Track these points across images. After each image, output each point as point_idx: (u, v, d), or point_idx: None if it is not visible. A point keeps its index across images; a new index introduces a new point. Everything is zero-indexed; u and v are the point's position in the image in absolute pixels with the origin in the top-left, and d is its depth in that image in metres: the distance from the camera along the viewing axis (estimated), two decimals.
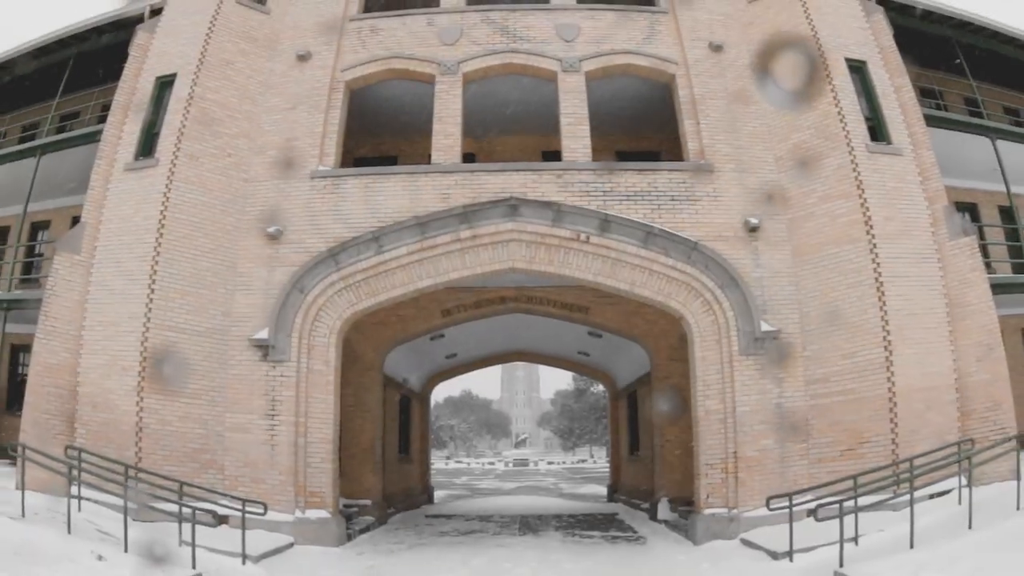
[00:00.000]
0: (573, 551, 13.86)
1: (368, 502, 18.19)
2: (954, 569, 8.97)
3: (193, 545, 11.06)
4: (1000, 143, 19.34)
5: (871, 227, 14.46)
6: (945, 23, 19.45)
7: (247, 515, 12.87)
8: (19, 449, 12.52)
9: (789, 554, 12.16)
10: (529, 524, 18.19)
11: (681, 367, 18.15)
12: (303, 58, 16.98)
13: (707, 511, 14.36)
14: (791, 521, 12.20)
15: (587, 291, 18.70)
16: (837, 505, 11.32)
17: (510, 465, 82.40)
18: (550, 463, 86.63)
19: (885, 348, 14.06)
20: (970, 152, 19.28)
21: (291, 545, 13.89)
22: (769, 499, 12.70)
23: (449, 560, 13.01)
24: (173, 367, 14.43)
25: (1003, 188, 19.22)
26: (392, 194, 15.74)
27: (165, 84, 16.14)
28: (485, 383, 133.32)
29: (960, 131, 19.15)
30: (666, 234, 15.01)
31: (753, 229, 15.17)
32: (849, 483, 12.25)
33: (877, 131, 15.42)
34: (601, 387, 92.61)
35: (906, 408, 13.81)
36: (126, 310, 14.57)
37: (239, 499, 12.94)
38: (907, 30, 17.68)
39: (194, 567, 10.80)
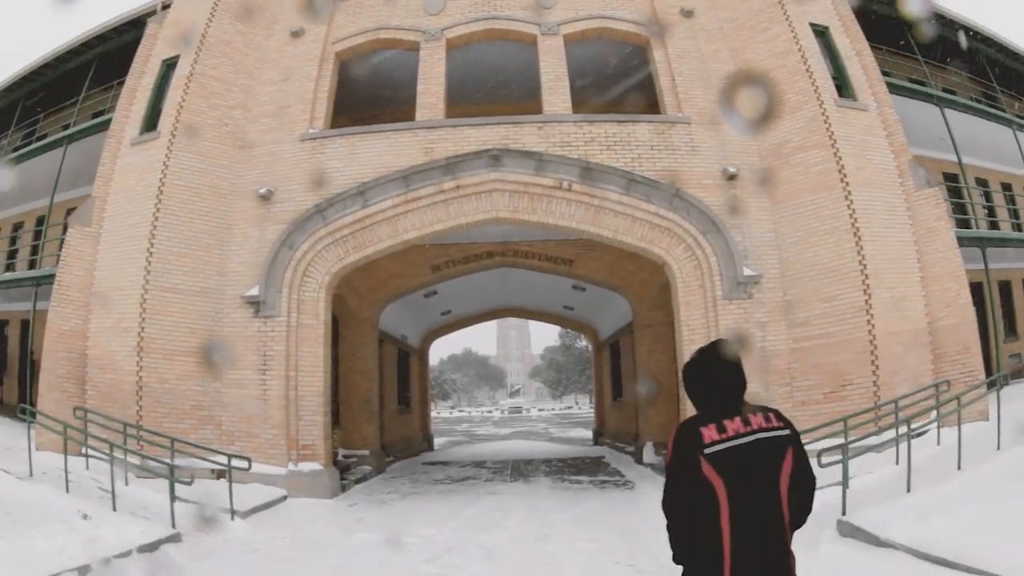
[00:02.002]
0: (562, 498, 11.88)
1: (366, 452, 16.23)
2: (959, 512, 7.36)
3: (172, 502, 9.38)
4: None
5: (844, 175, 12.80)
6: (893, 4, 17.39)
7: (243, 469, 11.41)
8: (27, 411, 11.52)
9: None
10: (520, 470, 16.23)
11: (662, 315, 16.27)
12: (296, 34, 15.17)
13: None
14: None
15: (571, 244, 16.71)
16: (837, 449, 9.30)
17: (506, 413, 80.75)
18: (540, 410, 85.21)
19: (864, 292, 12.42)
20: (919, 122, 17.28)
21: (284, 498, 12.10)
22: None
23: (440, 511, 11.05)
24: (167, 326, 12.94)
25: (948, 156, 17.98)
26: (377, 151, 13.73)
27: (170, 66, 14.68)
28: (483, 341, 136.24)
29: (912, 98, 17.50)
30: (648, 181, 12.97)
31: (732, 177, 13.20)
32: (831, 425, 10.80)
33: (843, 88, 13.77)
34: (584, 343, 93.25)
35: (886, 351, 12.20)
36: (128, 273, 13.11)
37: (226, 454, 11.26)
38: (861, 11, 15.85)
39: (173, 526, 9.11)
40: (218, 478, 11.95)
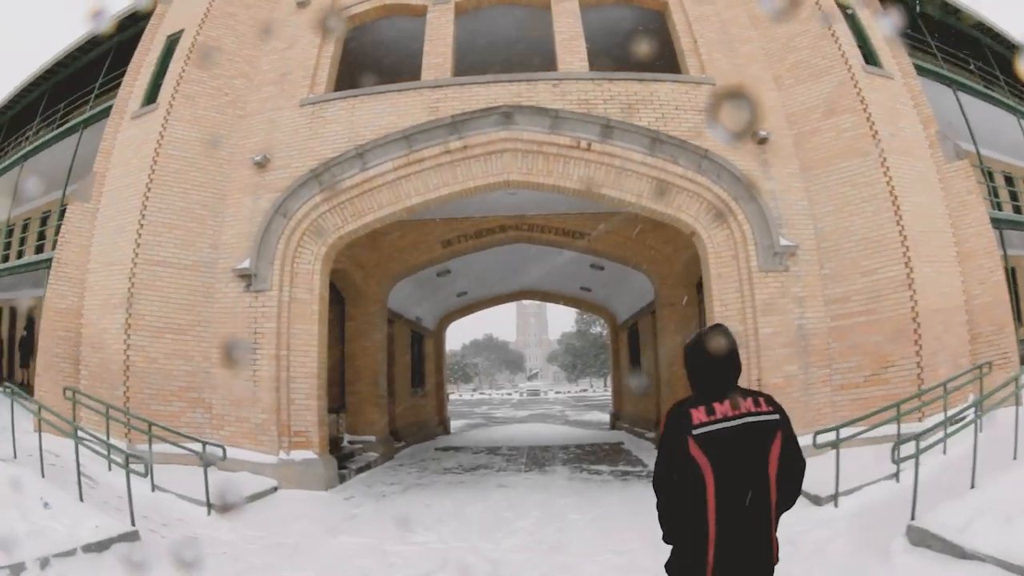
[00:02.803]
0: (581, 493, 9.90)
1: (372, 438, 14.40)
2: None
3: (129, 494, 7.53)
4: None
5: (879, 141, 10.96)
6: None
7: (235, 457, 10.12)
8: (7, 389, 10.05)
9: (834, 498, 8.42)
10: (536, 457, 14.27)
11: (685, 294, 14.26)
12: (302, 4, 13.42)
13: None
14: (838, 460, 8.37)
15: (589, 218, 14.76)
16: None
17: (524, 395, 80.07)
18: (557, 392, 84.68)
19: (906, 265, 10.58)
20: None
21: (274, 490, 10.32)
22: (816, 433, 8.69)
23: (443, 508, 9.13)
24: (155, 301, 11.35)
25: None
26: (379, 112, 11.82)
27: (174, 41, 13.23)
28: (503, 327, 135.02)
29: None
30: (675, 140, 10.96)
31: (762, 141, 11.21)
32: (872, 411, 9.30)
33: (868, 57, 11.94)
34: (599, 328, 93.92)
35: (928, 330, 10.45)
36: (119, 247, 11.61)
37: (201, 441, 9.58)
38: None
39: (132, 523, 7.28)
40: (207, 466, 10.60)
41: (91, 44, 18.55)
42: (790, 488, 2.67)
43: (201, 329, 11.49)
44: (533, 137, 11.01)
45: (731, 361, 2.71)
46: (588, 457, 14.04)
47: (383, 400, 14.99)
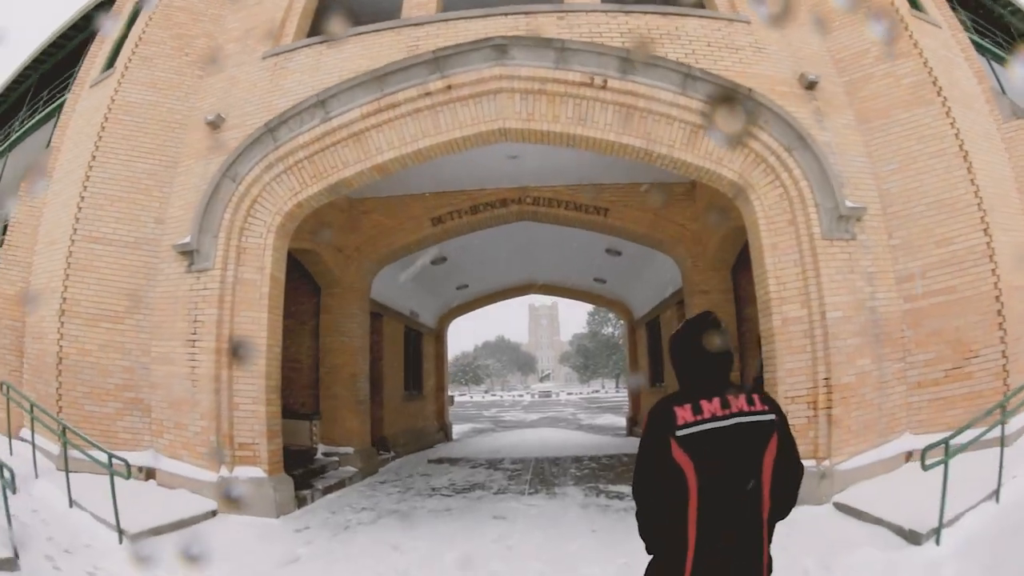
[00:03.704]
0: (600, 532, 7.35)
1: (350, 450, 12.10)
2: None
3: (7, 515, 6.12)
4: None
5: (940, 89, 9.04)
6: None
7: (174, 472, 8.68)
8: None
9: (936, 533, 6.18)
10: (544, 474, 11.83)
11: (720, 279, 11.99)
12: None
13: None
14: (945, 481, 6.10)
15: (605, 190, 12.40)
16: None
17: (536, 397, 77.01)
18: (569, 394, 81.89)
19: (984, 232, 8.58)
20: None
21: (212, 514, 8.22)
22: (927, 450, 6.32)
23: (415, 553, 6.74)
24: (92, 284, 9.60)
25: None
26: (347, 57, 9.69)
27: (140, 5, 11.67)
28: (515, 329, 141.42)
29: None
30: (711, 77, 8.68)
31: (811, 86, 9.02)
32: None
33: (912, 3, 10.15)
34: (611, 329, 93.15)
35: (1011, 311, 8.47)
36: (61, 224, 10.01)
37: (106, 451, 7.34)
38: None
39: (14, 552, 5.69)
40: (147, 479, 8.92)
41: (74, 30, 17.37)
42: (785, 497, 2.42)
43: (141, 317, 9.57)
44: (534, 73, 8.67)
45: (722, 353, 2.44)
46: (605, 473, 11.64)
47: (363, 405, 12.67)
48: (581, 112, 8.59)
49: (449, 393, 25.48)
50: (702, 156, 8.57)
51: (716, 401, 2.34)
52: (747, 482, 2.27)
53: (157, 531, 7.21)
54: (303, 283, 12.97)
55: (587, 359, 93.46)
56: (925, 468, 6.22)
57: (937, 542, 6.16)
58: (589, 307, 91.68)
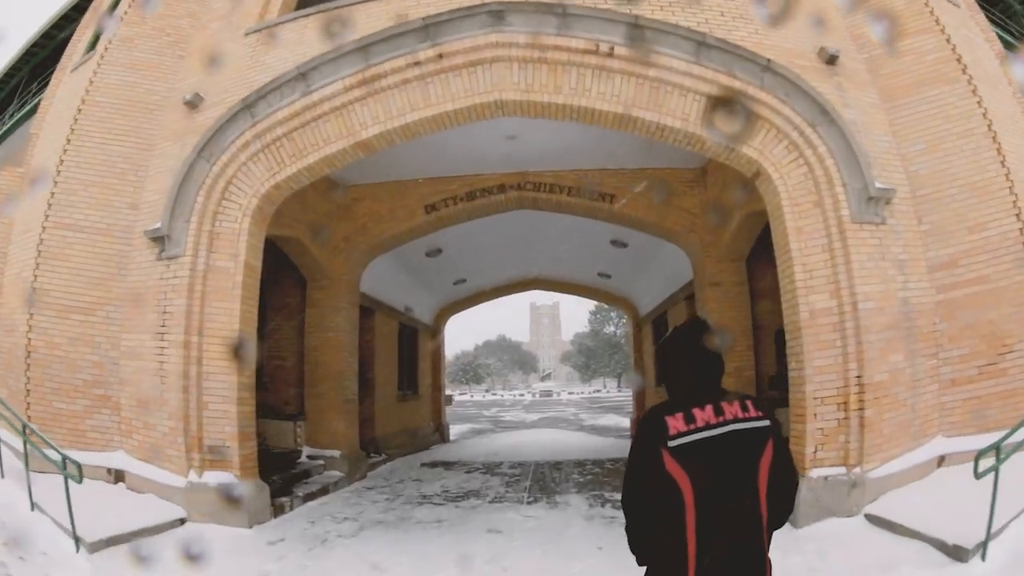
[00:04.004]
0: (607, 548, 6.36)
1: (336, 453, 11.34)
2: None
3: None
4: None
5: (964, 67, 8.43)
6: None
7: (142, 475, 8.07)
8: None
9: (983, 547, 5.50)
10: (544, 480, 11.04)
11: (735, 271, 11.23)
12: None
13: (816, 472, 7.31)
14: (995, 489, 5.43)
15: (611, 175, 11.64)
16: None
17: (537, 396, 76.33)
18: (570, 393, 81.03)
19: (1017, 218, 7.92)
20: None
21: (180, 523, 7.58)
22: (980, 455, 5.58)
23: (397, 570, 6.01)
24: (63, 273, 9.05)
25: None
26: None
27: None
28: (516, 328, 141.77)
29: None
30: (726, 46, 7.90)
31: (831, 60, 8.27)
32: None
33: None
34: (612, 328, 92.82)
35: None
36: (36, 210, 9.40)
37: (60, 452, 6.62)
38: None
39: None
40: (116, 482, 8.39)
41: (65, 20, 17.51)
42: (782, 505, 2.32)
43: (112, 309, 8.94)
44: (533, 40, 7.87)
45: (714, 359, 2.37)
46: (611, 480, 10.87)
47: (351, 405, 11.91)
48: (585, 82, 7.78)
49: (447, 392, 24.74)
50: (718, 131, 7.83)
51: (709, 408, 2.27)
52: (744, 490, 2.19)
53: (115, 540, 6.56)
54: (289, 276, 12.24)
55: (589, 358, 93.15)
56: (978, 476, 5.50)
57: (983, 557, 5.47)
58: (591, 306, 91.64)
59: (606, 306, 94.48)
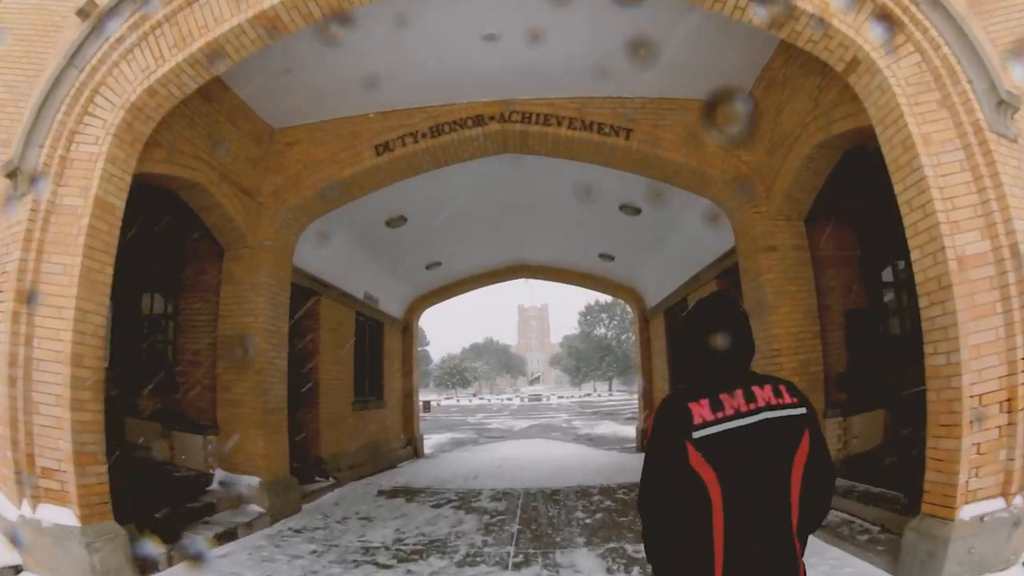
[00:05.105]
0: None
1: (254, 480, 8.50)
2: None
3: None
4: None
5: None
6: None
7: None
8: None
9: None
10: (538, 521, 8.05)
11: (793, 230, 8.55)
12: None
13: (968, 512, 4.69)
14: None
15: (629, 104, 8.85)
16: None
17: (525, 400, 73.76)
18: (560, 397, 78.58)
19: None
20: None
21: (15, 572, 5.18)
22: None
23: None
24: None
25: None
26: None
27: None
28: (504, 331, 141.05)
29: None
30: None
31: None
32: None
33: None
34: (604, 329, 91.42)
35: None
36: None
37: None
38: None
39: None
40: None
41: None
42: (818, 505, 2.04)
43: None
44: None
45: (743, 337, 2.08)
46: (628, 519, 8.02)
47: (276, 416, 9.01)
48: None
49: (423, 399, 21.85)
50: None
51: (739, 393, 1.98)
52: (778, 487, 1.92)
53: None
54: (208, 245, 9.43)
55: (579, 361, 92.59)
56: None
57: None
58: (580, 308, 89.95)
59: (596, 307, 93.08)
